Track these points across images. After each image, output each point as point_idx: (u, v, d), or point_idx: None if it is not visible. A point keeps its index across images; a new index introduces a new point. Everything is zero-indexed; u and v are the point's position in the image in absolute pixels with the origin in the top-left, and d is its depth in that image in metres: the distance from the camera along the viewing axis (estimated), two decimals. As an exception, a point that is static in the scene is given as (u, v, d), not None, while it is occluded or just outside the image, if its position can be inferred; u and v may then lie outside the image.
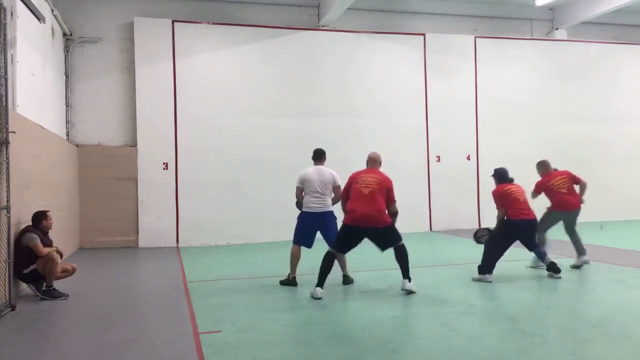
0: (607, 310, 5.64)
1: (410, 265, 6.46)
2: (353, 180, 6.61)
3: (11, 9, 7.46)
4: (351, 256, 6.95)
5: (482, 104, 14.19)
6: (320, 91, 12.97)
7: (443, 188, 13.72)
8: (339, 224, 7.05)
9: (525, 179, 14.09)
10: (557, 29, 14.92)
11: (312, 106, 12.86)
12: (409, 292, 6.41)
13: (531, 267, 8.10)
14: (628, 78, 15.38)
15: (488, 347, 4.51)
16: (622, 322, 5.15)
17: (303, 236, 7.11)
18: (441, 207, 13.66)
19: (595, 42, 15.17)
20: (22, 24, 8.06)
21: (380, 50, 13.42)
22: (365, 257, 7.64)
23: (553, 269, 7.27)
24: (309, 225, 7.08)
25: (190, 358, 4.34)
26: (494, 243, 7.31)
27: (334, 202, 7.14)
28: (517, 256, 8.54)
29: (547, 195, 8.16)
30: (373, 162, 6.83)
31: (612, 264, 8.19)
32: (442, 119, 13.76)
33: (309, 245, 7.12)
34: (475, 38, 14.18)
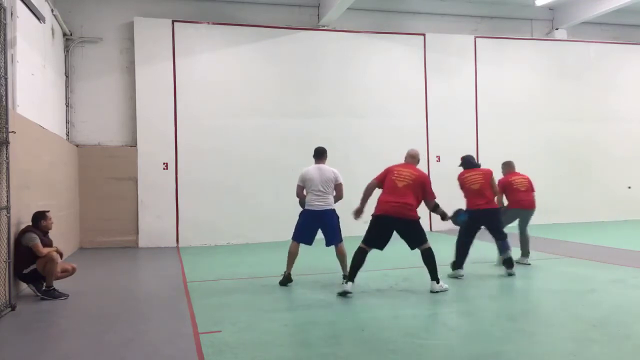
0: (607, 310, 5.64)
1: (410, 265, 6.46)
2: (389, 172, 6.64)
3: (11, 9, 7.45)
4: (348, 257, 6.94)
5: (482, 104, 14.19)
6: (320, 91, 12.96)
7: (443, 188, 13.63)
8: (337, 224, 7.07)
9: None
10: (557, 29, 14.92)
11: (312, 106, 12.86)
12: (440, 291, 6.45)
13: (496, 265, 8.13)
14: (628, 78, 15.38)
15: (488, 347, 4.51)
16: (622, 322, 5.15)
17: (303, 233, 7.08)
18: (441, 207, 13.62)
19: (595, 42, 15.17)
20: (22, 24, 8.06)
21: (380, 50, 13.41)
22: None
23: (508, 264, 7.39)
24: (309, 223, 7.07)
25: (190, 358, 4.33)
26: (459, 238, 7.53)
27: (336, 200, 7.12)
28: (519, 256, 8.54)
29: (507, 193, 8.40)
30: (411, 158, 6.88)
31: (612, 264, 8.18)
32: (442, 119, 13.76)
33: (309, 242, 7.11)
34: (475, 38, 14.18)
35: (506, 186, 8.41)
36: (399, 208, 6.34)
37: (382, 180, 6.61)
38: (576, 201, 14.51)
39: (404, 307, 5.99)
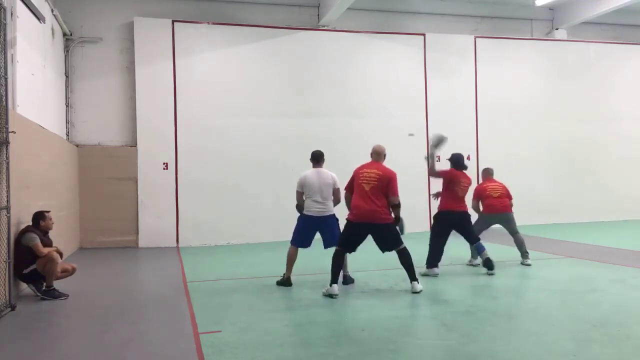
0: (607, 310, 5.64)
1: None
2: (356, 175, 6.63)
3: (11, 9, 7.46)
4: (350, 256, 6.95)
5: (482, 104, 14.19)
6: (320, 91, 12.96)
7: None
8: (341, 224, 7.07)
9: (525, 178, 14.23)
10: (557, 29, 14.91)
11: (312, 106, 12.85)
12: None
13: (468, 264, 8.39)
14: (628, 78, 15.38)
15: (488, 347, 4.51)
16: (622, 322, 5.15)
17: (303, 238, 7.07)
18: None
19: (595, 42, 15.17)
20: (22, 24, 8.06)
21: (380, 50, 13.41)
22: (365, 257, 7.64)
23: (488, 265, 7.53)
24: (309, 228, 7.04)
25: (190, 358, 4.34)
26: (433, 237, 7.73)
27: (335, 204, 7.12)
28: (519, 256, 8.54)
29: (481, 199, 8.62)
30: (377, 155, 6.78)
31: (612, 264, 8.18)
32: (442, 119, 13.74)
33: (307, 246, 7.12)
34: (475, 38, 14.18)
35: (480, 193, 8.68)
36: (371, 214, 6.35)
37: (352, 187, 6.63)
38: (576, 201, 14.51)
39: (404, 307, 5.99)
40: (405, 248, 6.52)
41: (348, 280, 7.14)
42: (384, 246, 6.56)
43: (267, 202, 12.31)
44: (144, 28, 11.92)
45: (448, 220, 7.65)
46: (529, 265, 8.19)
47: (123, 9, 12.02)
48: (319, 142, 12.72)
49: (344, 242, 6.58)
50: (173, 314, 5.86)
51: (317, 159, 7.25)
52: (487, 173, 9.04)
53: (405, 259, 6.50)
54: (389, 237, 6.49)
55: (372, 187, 6.40)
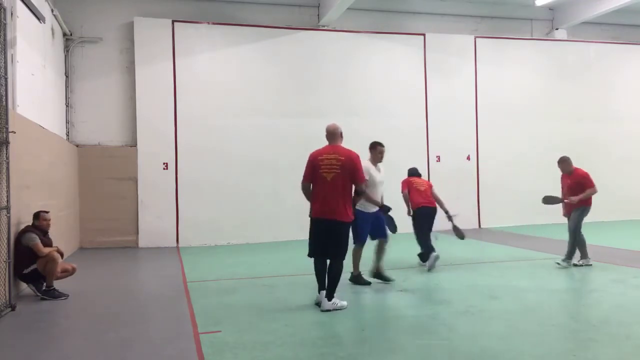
0: (607, 310, 5.64)
1: (410, 265, 6.46)
2: (314, 163, 5.78)
3: (11, 9, 7.45)
4: (348, 256, 6.92)
5: (482, 104, 14.19)
6: (320, 91, 12.96)
7: (443, 188, 13.65)
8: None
9: (525, 178, 14.23)
10: (557, 29, 14.91)
11: (312, 106, 12.85)
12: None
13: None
14: (628, 78, 15.38)
15: (488, 347, 4.51)
16: (622, 322, 5.15)
17: (366, 234, 7.00)
18: (441, 207, 13.64)
19: (595, 42, 15.17)
20: (22, 24, 8.06)
21: (380, 50, 13.41)
22: (363, 257, 7.63)
23: (422, 258, 8.20)
24: (368, 223, 6.93)
25: (190, 358, 4.34)
26: (416, 232, 8.28)
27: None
28: (520, 256, 8.55)
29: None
30: (331, 136, 5.96)
31: (612, 264, 8.18)
32: (442, 119, 13.76)
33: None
34: (475, 38, 14.18)
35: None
36: (333, 210, 5.66)
37: (311, 177, 5.82)
38: (576, 201, 14.49)
39: (404, 307, 5.99)
40: (341, 264, 5.77)
41: (361, 281, 7.09)
42: (327, 248, 5.74)
43: (267, 202, 12.31)
44: (144, 28, 11.92)
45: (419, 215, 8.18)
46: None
47: (123, 9, 12.02)
48: (319, 142, 12.70)
49: (311, 247, 5.87)
50: (173, 314, 5.87)
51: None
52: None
53: (334, 273, 5.76)
54: (338, 239, 5.70)
55: (335, 176, 5.65)
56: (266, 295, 6.68)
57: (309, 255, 5.95)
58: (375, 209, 6.82)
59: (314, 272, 5.94)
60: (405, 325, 5.28)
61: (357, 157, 5.79)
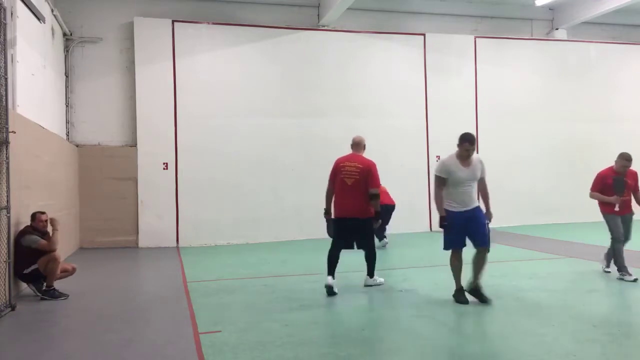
0: (607, 310, 5.64)
1: (410, 265, 6.46)
2: (337, 169, 6.66)
3: (11, 9, 7.45)
4: (349, 256, 6.94)
5: (482, 104, 14.19)
6: (320, 91, 12.96)
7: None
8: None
9: (525, 178, 14.24)
10: (557, 29, 14.91)
11: (312, 106, 12.85)
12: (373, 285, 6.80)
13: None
14: (628, 78, 15.37)
15: (488, 347, 4.51)
16: (623, 322, 5.15)
17: (458, 237, 6.06)
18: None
19: (595, 42, 15.17)
20: (22, 24, 8.06)
21: (380, 50, 13.41)
22: (363, 257, 7.62)
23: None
24: (457, 224, 6.03)
25: (190, 358, 4.34)
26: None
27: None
28: (521, 256, 8.54)
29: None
30: (356, 146, 6.86)
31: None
32: (442, 119, 13.75)
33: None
34: (475, 38, 14.18)
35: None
36: (354, 209, 6.48)
37: (334, 181, 6.66)
38: (576, 201, 14.47)
39: (404, 307, 5.99)
40: (374, 251, 6.78)
41: (480, 297, 6.02)
42: (360, 241, 6.65)
43: (267, 202, 12.31)
44: (144, 28, 11.92)
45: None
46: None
47: (123, 9, 12.02)
48: (319, 142, 12.79)
49: (334, 239, 6.66)
50: (173, 314, 5.86)
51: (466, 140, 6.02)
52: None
53: (370, 256, 6.81)
54: (366, 233, 6.62)
55: (355, 181, 6.48)
56: (266, 295, 6.67)
57: (332, 248, 6.63)
58: (465, 207, 6.01)
59: (327, 259, 6.56)
60: (405, 326, 5.28)
61: (374, 165, 6.64)
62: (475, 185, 6.20)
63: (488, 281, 7.23)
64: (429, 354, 4.39)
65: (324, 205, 6.73)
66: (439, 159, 13.92)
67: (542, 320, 5.34)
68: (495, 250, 7.76)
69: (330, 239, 6.75)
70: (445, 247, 6.14)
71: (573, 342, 4.64)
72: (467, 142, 5.97)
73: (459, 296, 6.04)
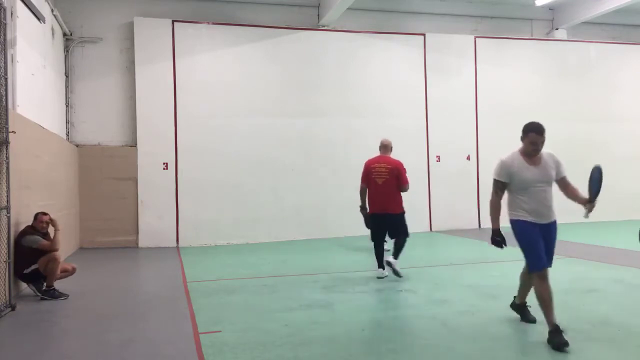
0: (607, 310, 5.64)
1: (410, 265, 6.46)
2: (368, 170, 7.42)
3: (11, 9, 7.45)
4: (349, 256, 6.95)
5: (482, 104, 14.19)
6: (320, 91, 12.96)
7: (443, 188, 13.71)
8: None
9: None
10: (557, 29, 14.91)
11: (312, 106, 12.85)
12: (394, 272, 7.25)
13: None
14: (628, 78, 15.37)
15: (488, 347, 4.51)
16: (622, 322, 5.15)
17: (537, 253, 4.86)
18: (441, 207, 13.65)
19: (595, 42, 15.17)
20: (22, 24, 8.06)
21: (380, 50, 13.41)
22: (364, 257, 7.63)
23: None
24: (533, 237, 4.96)
25: (190, 358, 4.34)
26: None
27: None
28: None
29: None
30: (384, 148, 7.54)
31: (612, 264, 8.18)
32: (442, 119, 13.75)
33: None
34: (475, 38, 14.18)
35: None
36: (387, 205, 7.28)
37: (366, 181, 7.44)
38: (576, 201, 14.49)
39: (404, 307, 5.99)
40: (405, 239, 7.41)
41: (524, 315, 5.32)
42: (394, 232, 7.40)
43: (267, 202, 12.30)
44: (144, 28, 11.92)
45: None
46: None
47: (123, 9, 12.02)
48: (319, 142, 12.80)
49: (372, 234, 7.45)
50: (173, 314, 5.86)
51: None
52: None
53: (400, 244, 7.40)
54: (400, 225, 7.36)
55: (385, 180, 7.24)
56: (266, 295, 6.67)
57: (372, 239, 7.46)
58: (540, 220, 5.01)
59: (375, 254, 7.43)
60: (405, 325, 5.28)
61: (401, 164, 7.40)
62: (550, 190, 4.97)
63: (488, 281, 7.25)
64: (429, 354, 4.39)
65: (359, 203, 7.51)
66: (439, 159, 13.94)
67: (542, 320, 5.33)
68: (496, 250, 7.75)
69: (369, 234, 7.54)
70: (533, 268, 4.75)
71: (573, 342, 4.63)
72: (533, 132, 4.65)
73: (558, 338, 4.39)
